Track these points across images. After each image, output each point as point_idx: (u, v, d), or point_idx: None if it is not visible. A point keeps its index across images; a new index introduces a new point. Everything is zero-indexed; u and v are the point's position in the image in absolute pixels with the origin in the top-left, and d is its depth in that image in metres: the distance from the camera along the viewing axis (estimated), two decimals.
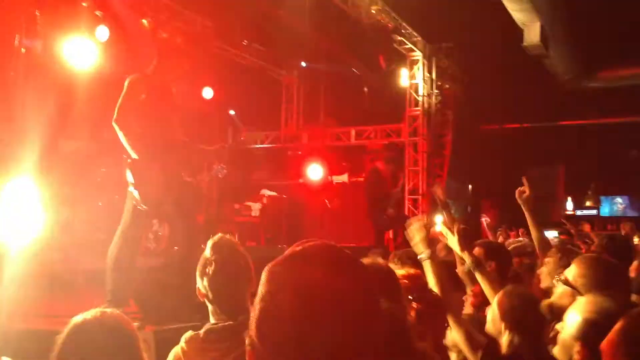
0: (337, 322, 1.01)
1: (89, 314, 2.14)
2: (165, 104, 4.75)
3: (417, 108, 12.19)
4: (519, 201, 3.99)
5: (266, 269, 1.08)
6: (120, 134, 4.53)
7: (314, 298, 1.02)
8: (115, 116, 4.51)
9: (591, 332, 1.95)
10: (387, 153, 9.63)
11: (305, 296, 1.02)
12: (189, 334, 2.50)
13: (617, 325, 1.60)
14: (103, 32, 8.27)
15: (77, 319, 2.13)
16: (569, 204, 17.61)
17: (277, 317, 1.03)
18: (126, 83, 4.60)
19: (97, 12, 8.38)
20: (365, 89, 12.93)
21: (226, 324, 2.45)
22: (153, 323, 4.31)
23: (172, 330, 3.91)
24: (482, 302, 3.40)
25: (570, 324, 2.08)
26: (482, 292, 3.29)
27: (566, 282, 2.62)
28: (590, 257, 2.91)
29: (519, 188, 4.01)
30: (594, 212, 17.43)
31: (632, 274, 3.72)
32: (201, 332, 2.48)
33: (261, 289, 1.07)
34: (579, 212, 17.40)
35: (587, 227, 11.08)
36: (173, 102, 4.92)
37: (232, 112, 13.15)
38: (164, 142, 4.62)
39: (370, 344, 1.04)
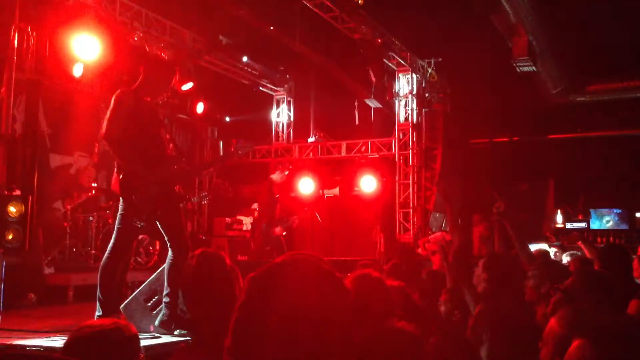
0: (313, 331, 1.06)
1: (92, 322, 2.13)
2: (152, 119, 4.78)
3: (406, 122, 12.29)
4: (500, 217, 4.01)
5: (246, 280, 1.14)
6: (111, 148, 4.58)
7: (290, 307, 1.07)
8: (103, 130, 4.55)
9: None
10: (283, 166, 8.97)
11: (282, 305, 1.07)
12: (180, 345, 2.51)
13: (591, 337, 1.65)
14: (95, 48, 8.32)
15: (81, 328, 2.12)
16: (559, 217, 17.68)
17: (254, 326, 1.08)
18: (113, 98, 4.63)
19: (90, 30, 8.43)
20: (356, 103, 13.00)
21: (202, 341, 2.45)
22: (144, 337, 4.30)
23: (165, 344, 3.92)
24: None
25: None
26: None
27: (562, 291, 2.65)
28: (589, 270, 2.95)
29: (494, 204, 4.03)
30: (583, 225, 17.49)
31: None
32: (181, 347, 2.49)
33: (240, 299, 1.13)
34: (569, 225, 17.46)
35: (578, 242, 11.13)
36: (159, 117, 4.96)
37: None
38: (154, 156, 4.65)
39: (341, 349, 1.10)
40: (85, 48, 8.08)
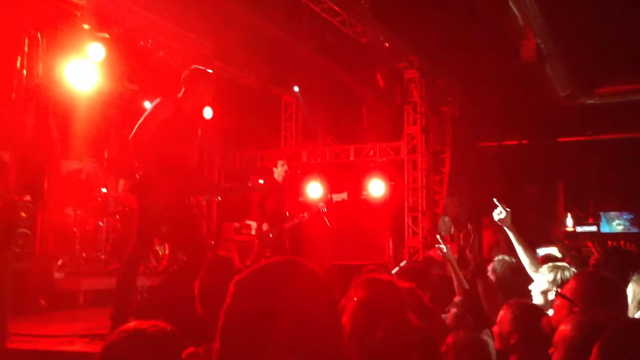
0: (298, 329, 1.08)
1: (129, 328, 2.09)
2: (186, 131, 4.78)
3: (415, 126, 12.26)
4: (500, 223, 3.95)
5: (232, 283, 1.16)
6: (133, 150, 4.59)
7: (273, 307, 1.09)
8: (132, 133, 4.55)
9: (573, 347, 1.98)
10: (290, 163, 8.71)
11: (265, 305, 1.09)
12: (187, 351, 2.50)
13: (599, 341, 1.65)
14: (101, 52, 8.36)
15: (117, 333, 2.09)
16: (569, 221, 17.59)
17: (241, 328, 1.10)
18: (153, 103, 4.64)
19: (98, 35, 8.48)
20: (364, 107, 13.01)
21: (209, 347, 2.44)
22: None
23: None
24: None
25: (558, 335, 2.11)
26: None
27: (564, 297, 2.63)
28: (588, 272, 2.92)
29: (495, 210, 3.97)
30: (594, 228, 17.41)
31: None
32: (189, 352, 2.47)
33: (226, 302, 1.15)
34: (579, 229, 17.38)
35: (588, 242, 11.12)
36: (195, 130, 4.95)
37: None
38: (175, 166, 4.65)
39: (327, 346, 1.11)
40: (93, 54, 8.14)
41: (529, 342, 2.69)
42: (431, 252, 9.52)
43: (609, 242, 15.71)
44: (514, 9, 9.79)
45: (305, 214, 8.65)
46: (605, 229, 17.62)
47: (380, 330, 1.47)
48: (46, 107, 6.66)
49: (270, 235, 8.26)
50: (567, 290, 2.63)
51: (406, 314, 2.04)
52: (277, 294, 1.13)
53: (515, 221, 3.96)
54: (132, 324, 2.10)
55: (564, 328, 2.09)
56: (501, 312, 2.80)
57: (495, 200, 3.94)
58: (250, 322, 1.10)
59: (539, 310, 2.86)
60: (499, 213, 3.89)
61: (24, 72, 4.93)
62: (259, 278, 1.17)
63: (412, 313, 2.55)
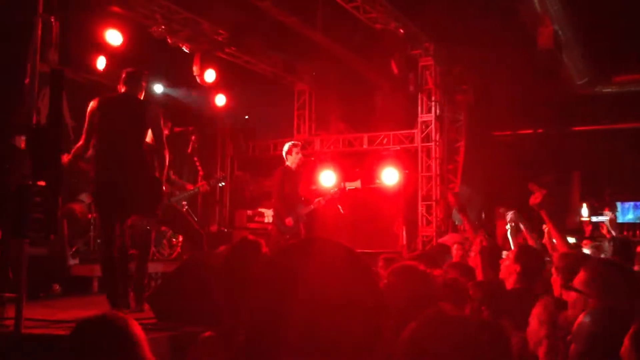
0: (336, 315, 1.02)
1: (93, 317, 2.15)
2: None
3: (429, 114, 12.16)
4: (536, 208, 3.92)
5: (261, 263, 1.10)
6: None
7: (311, 290, 1.03)
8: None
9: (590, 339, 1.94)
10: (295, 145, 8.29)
11: (302, 288, 1.03)
12: (203, 335, 2.49)
13: (630, 331, 1.61)
14: (117, 38, 8.35)
15: (82, 321, 2.15)
16: (584, 211, 17.44)
17: (274, 312, 1.03)
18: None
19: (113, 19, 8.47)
20: (378, 95, 12.91)
21: (224, 332, 2.43)
22: (168, 327, 4.30)
23: (188, 334, 3.91)
24: None
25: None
26: None
27: (577, 290, 2.56)
28: (597, 261, 2.84)
29: (532, 196, 3.96)
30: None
31: None
32: (205, 337, 2.47)
33: (258, 285, 1.08)
34: (594, 219, 17.22)
35: (604, 230, 11.05)
36: None
37: None
38: None
39: (367, 335, 1.05)
40: (107, 40, 8.12)
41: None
42: (444, 239, 9.45)
43: (625, 232, 15.56)
44: None
45: (321, 199, 8.57)
46: (621, 219, 17.45)
47: (414, 321, 1.41)
48: (60, 94, 6.65)
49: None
50: (579, 281, 2.56)
51: (441, 304, 1.98)
52: (314, 273, 1.06)
53: (530, 210, 3.95)
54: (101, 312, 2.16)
55: (583, 320, 2.04)
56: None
57: (530, 186, 3.95)
58: (284, 307, 1.04)
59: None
60: (537, 198, 3.89)
61: (38, 57, 4.90)
62: (294, 258, 1.10)
63: (451, 304, 2.49)
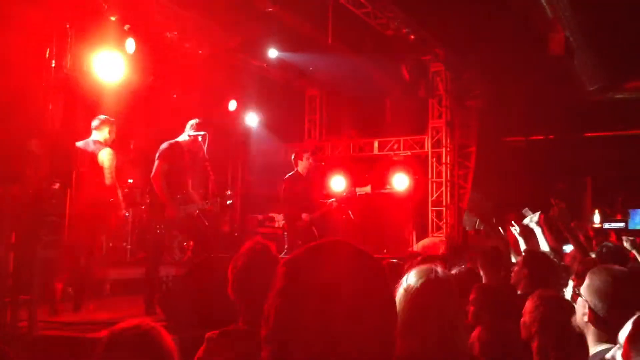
0: (352, 314, 1.04)
1: (126, 325, 2.13)
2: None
3: (440, 119, 12.17)
4: (554, 220, 3.97)
5: (281, 265, 1.12)
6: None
7: (328, 290, 1.05)
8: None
9: None
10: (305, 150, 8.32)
11: (320, 288, 1.05)
12: (211, 334, 2.53)
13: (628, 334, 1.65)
14: (130, 44, 8.43)
15: (116, 330, 2.13)
16: (596, 217, 17.34)
17: (293, 312, 1.05)
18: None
19: (125, 27, 8.55)
20: (388, 101, 12.94)
21: (240, 329, 2.46)
22: (178, 329, 4.34)
23: (198, 336, 3.94)
24: None
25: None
26: None
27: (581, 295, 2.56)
28: (601, 268, 2.84)
29: (552, 209, 4.03)
30: (622, 225, 17.12)
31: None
32: (216, 335, 2.50)
33: (277, 285, 1.10)
34: (606, 225, 17.11)
35: (612, 238, 10.95)
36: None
37: None
38: None
39: (383, 335, 1.08)
40: (125, 46, 8.19)
41: (548, 331, 2.65)
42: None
43: (638, 240, 15.42)
44: (543, 1, 9.64)
45: (334, 200, 8.58)
46: (633, 225, 17.33)
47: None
48: (74, 98, 6.76)
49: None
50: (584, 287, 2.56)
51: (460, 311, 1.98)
52: (333, 275, 1.08)
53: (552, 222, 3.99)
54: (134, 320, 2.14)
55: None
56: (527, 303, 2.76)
57: (524, 211, 4.01)
58: (302, 306, 1.06)
59: (564, 303, 2.81)
60: (530, 220, 3.95)
61: (53, 63, 4.99)
62: (312, 259, 1.12)
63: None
